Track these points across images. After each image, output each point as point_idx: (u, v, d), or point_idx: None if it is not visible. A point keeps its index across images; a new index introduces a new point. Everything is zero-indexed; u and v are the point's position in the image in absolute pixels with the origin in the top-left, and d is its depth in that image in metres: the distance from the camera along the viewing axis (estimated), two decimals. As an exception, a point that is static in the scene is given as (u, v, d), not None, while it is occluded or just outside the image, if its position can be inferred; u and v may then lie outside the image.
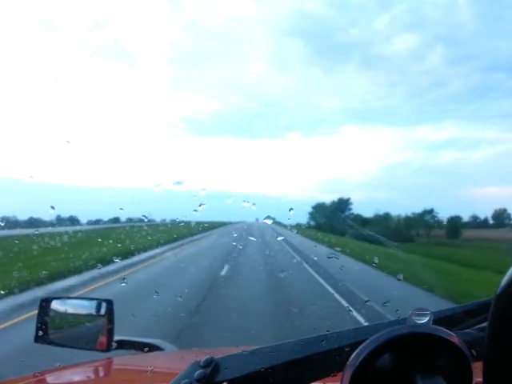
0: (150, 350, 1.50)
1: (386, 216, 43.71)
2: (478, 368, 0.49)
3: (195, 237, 19.13)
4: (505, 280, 0.44)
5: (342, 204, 49.46)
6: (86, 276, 8.63)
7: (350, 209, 49.87)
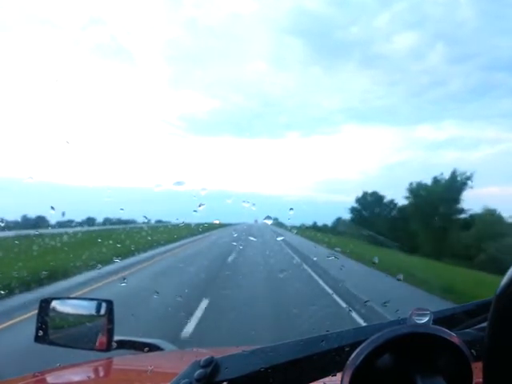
0: (150, 350, 1.50)
1: (493, 215, 27.98)
2: (477, 368, 0.49)
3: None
4: (505, 280, 0.44)
5: (457, 188, 30.50)
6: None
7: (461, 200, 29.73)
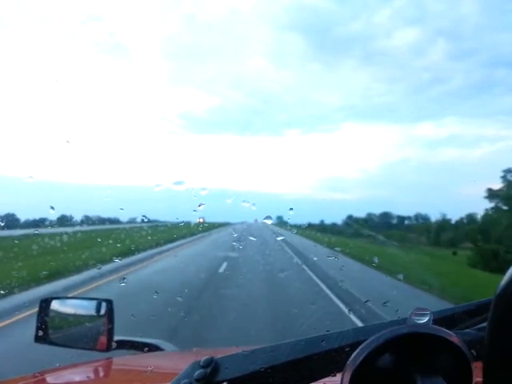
0: (150, 350, 1.50)
1: None
2: (478, 368, 0.49)
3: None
4: (505, 280, 0.44)
5: None
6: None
7: None
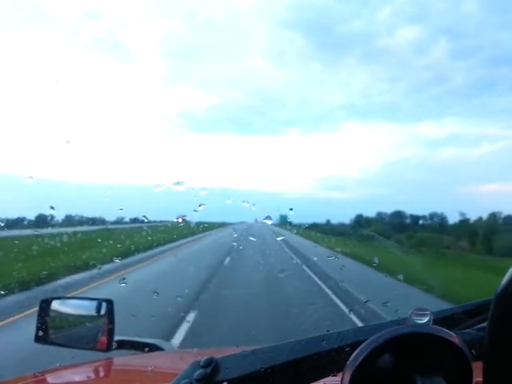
0: (150, 350, 1.50)
1: None
2: (478, 368, 0.49)
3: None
4: (505, 280, 0.44)
5: None
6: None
7: None
